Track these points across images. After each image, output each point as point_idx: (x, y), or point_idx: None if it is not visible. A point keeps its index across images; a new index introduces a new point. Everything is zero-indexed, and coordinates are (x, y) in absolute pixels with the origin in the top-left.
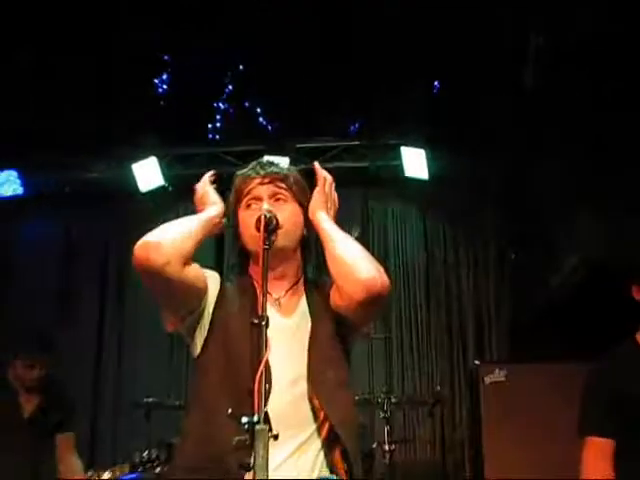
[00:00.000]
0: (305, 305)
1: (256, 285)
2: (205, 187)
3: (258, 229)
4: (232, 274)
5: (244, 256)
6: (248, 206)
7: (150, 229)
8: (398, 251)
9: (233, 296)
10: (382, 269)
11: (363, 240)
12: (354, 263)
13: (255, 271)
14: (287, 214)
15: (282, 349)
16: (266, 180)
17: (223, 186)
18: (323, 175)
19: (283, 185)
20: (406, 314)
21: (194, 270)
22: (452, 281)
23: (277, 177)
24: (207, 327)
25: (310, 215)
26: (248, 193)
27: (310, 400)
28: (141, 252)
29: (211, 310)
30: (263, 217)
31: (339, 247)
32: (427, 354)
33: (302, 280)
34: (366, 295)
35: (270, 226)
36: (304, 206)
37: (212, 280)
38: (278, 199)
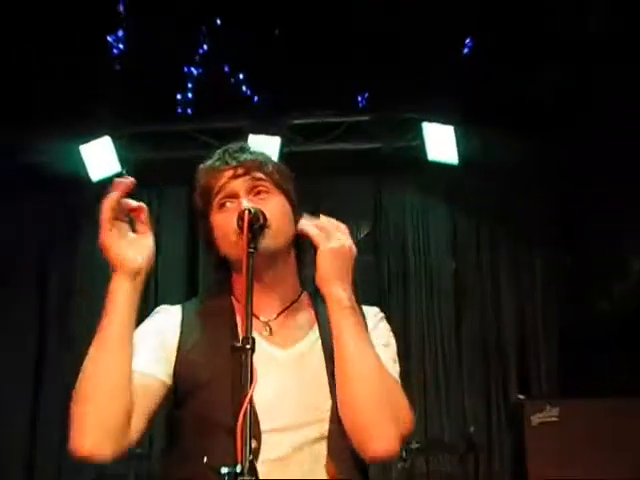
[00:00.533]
0: (315, 329)
1: (236, 304)
2: (107, 228)
3: (241, 229)
4: (208, 296)
5: (224, 270)
6: (222, 206)
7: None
8: (419, 256)
9: (203, 325)
10: (406, 410)
11: (372, 242)
12: (371, 420)
13: (238, 285)
14: (274, 209)
15: (272, 387)
16: (240, 171)
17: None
18: (327, 222)
19: (261, 175)
20: (429, 337)
21: (144, 394)
22: (488, 293)
23: (252, 166)
24: (175, 380)
25: (318, 284)
26: (220, 190)
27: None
28: (78, 452)
29: (173, 359)
30: (247, 213)
31: (355, 381)
32: (457, 387)
33: (304, 296)
34: (380, 459)
35: (255, 224)
36: (290, 197)
37: (163, 341)
38: (258, 192)
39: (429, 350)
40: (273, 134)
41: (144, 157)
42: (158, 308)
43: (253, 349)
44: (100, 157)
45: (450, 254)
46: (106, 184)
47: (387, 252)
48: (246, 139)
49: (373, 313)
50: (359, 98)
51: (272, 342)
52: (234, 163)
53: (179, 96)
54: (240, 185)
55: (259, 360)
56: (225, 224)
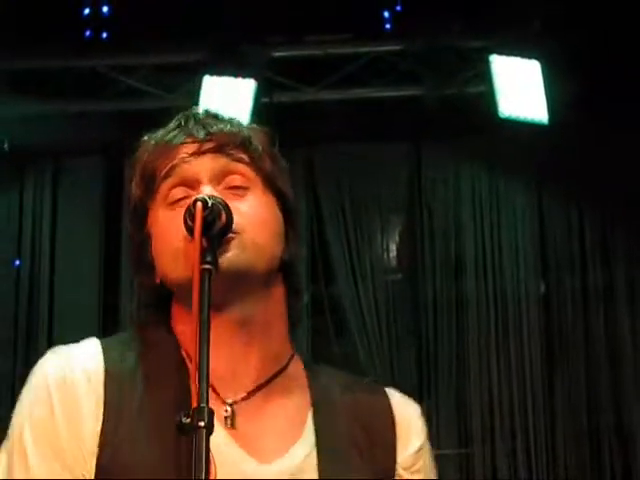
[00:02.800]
0: (309, 427)
1: (184, 352)
2: None
3: (189, 229)
4: (134, 331)
5: (160, 294)
6: (172, 201)
7: None
8: (483, 273)
9: (141, 389)
10: None
11: (406, 248)
12: None
13: (182, 323)
14: (252, 210)
15: None
16: (208, 146)
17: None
18: None
19: (242, 155)
20: (501, 396)
21: None
22: (594, 324)
23: (229, 140)
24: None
25: None
26: (170, 173)
27: None
28: None
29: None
30: (199, 205)
31: None
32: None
33: (294, 362)
34: None
35: (213, 224)
36: (284, 199)
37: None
38: (233, 186)
39: (499, 420)
40: (243, 75)
41: (30, 111)
42: (49, 362)
43: (210, 428)
44: None
45: (536, 269)
46: None
47: (431, 265)
48: (199, 85)
49: (414, 429)
50: (385, 15)
51: (238, 442)
52: (201, 134)
53: (88, 10)
54: (204, 167)
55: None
56: (171, 225)
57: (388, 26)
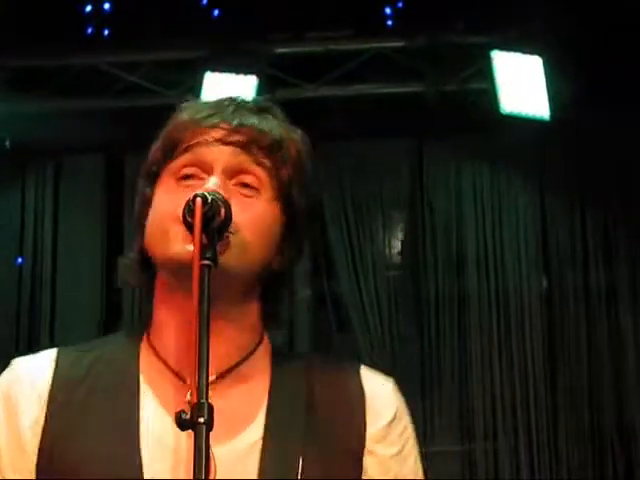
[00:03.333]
0: (262, 413)
1: (145, 351)
2: None
3: (187, 224)
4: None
5: (146, 260)
6: (181, 178)
7: None
8: (484, 268)
9: (80, 386)
10: None
11: (408, 244)
12: None
13: (163, 314)
14: (252, 211)
15: None
16: (233, 138)
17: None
18: None
19: (262, 159)
20: (503, 392)
21: None
22: (597, 321)
23: (256, 139)
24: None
25: None
26: (189, 150)
27: None
28: None
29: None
30: (199, 200)
31: None
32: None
33: (263, 347)
34: None
35: (212, 221)
36: (292, 206)
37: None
38: (244, 184)
39: (501, 418)
40: (244, 71)
41: (32, 109)
42: (9, 372)
43: (210, 424)
44: None
45: (538, 266)
46: None
47: (433, 262)
48: (201, 81)
49: (384, 403)
50: (387, 11)
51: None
52: (234, 122)
53: (89, 7)
54: (223, 158)
55: (169, 455)
56: (170, 199)
57: (389, 22)
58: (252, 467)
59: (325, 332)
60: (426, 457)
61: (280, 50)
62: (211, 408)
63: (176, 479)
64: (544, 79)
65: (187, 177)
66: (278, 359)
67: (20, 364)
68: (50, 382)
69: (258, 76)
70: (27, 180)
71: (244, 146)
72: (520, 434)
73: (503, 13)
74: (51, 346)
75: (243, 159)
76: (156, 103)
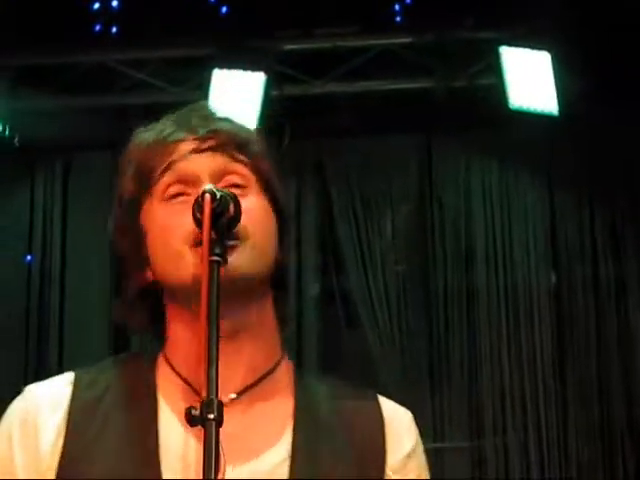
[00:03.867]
0: (287, 434)
1: (162, 369)
2: None
3: (198, 222)
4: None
5: (148, 292)
6: (169, 197)
7: None
8: (493, 263)
9: (99, 406)
10: None
11: (416, 239)
12: None
13: (177, 330)
14: (254, 212)
15: None
16: (208, 144)
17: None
18: None
19: (242, 157)
20: (513, 387)
21: None
22: (606, 316)
23: (230, 140)
24: None
25: None
26: (169, 169)
27: None
28: None
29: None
30: (208, 196)
31: None
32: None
33: (283, 365)
34: None
35: (222, 217)
36: (276, 199)
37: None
38: (233, 185)
39: (510, 413)
40: (252, 68)
41: (40, 106)
42: (14, 405)
43: (220, 420)
44: None
45: (547, 261)
46: None
47: (442, 257)
48: (209, 78)
49: (404, 434)
50: (395, 7)
51: (229, 444)
52: (201, 131)
53: (97, 5)
54: (204, 165)
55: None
56: (172, 221)
57: (397, 19)
58: None
59: (334, 328)
60: (435, 453)
61: (288, 47)
62: (221, 404)
63: None
64: (552, 75)
65: (176, 195)
66: (300, 380)
67: (37, 390)
68: (68, 404)
69: (266, 73)
70: (36, 178)
71: (219, 148)
72: (530, 429)
73: (511, 9)
74: (59, 345)
75: (223, 160)
76: (164, 100)
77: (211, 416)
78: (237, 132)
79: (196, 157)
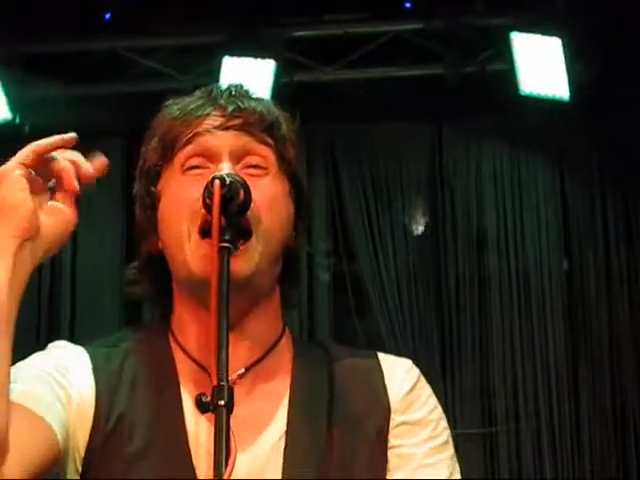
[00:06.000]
0: (282, 412)
1: (176, 348)
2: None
3: (207, 208)
4: (131, 336)
5: (162, 279)
6: (188, 168)
7: None
8: (505, 250)
9: (128, 385)
10: None
11: (429, 227)
12: None
13: (185, 311)
14: (268, 197)
15: None
16: (234, 122)
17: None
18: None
19: (266, 137)
20: (525, 374)
21: (29, 431)
22: (618, 302)
23: (256, 119)
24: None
25: None
26: (190, 142)
27: None
28: None
29: (87, 433)
30: (217, 182)
31: None
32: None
33: (285, 339)
34: None
35: (232, 203)
36: (297, 185)
37: (71, 397)
38: (251, 166)
39: (522, 399)
40: (263, 55)
41: (50, 94)
42: (57, 343)
43: (231, 406)
44: None
45: (559, 247)
46: None
47: (453, 243)
48: (219, 65)
49: (403, 377)
50: None
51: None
52: (229, 108)
53: None
54: (227, 142)
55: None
56: (183, 193)
57: (408, 5)
58: (275, 468)
59: (345, 314)
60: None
61: (298, 33)
62: (231, 390)
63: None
64: (563, 60)
65: (193, 167)
66: (300, 351)
67: (70, 345)
68: (91, 368)
69: (276, 60)
70: None
71: (245, 128)
72: (542, 416)
73: None
74: (71, 334)
75: (247, 141)
76: (175, 87)
77: (222, 402)
78: (265, 113)
79: (220, 133)
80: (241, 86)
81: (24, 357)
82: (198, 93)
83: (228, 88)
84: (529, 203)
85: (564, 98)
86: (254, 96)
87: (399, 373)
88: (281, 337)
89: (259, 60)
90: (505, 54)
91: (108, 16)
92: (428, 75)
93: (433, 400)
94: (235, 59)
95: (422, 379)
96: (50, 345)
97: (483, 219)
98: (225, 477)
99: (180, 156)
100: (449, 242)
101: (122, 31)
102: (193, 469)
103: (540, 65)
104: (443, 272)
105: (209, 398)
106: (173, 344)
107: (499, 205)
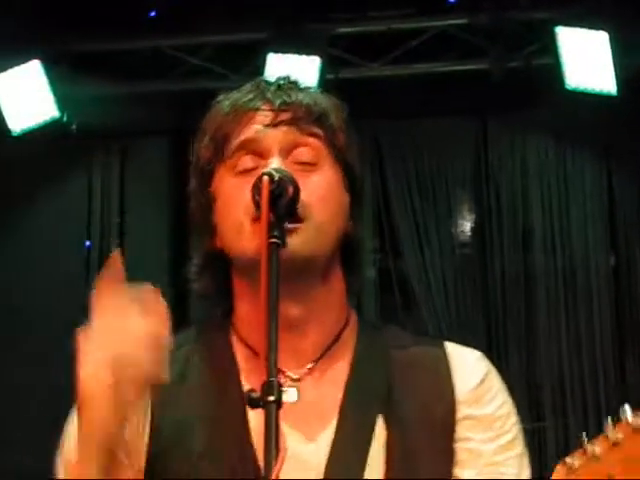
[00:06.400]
0: (335, 406)
1: (237, 343)
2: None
3: (257, 204)
4: (195, 333)
5: (218, 258)
6: (240, 170)
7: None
8: (551, 246)
9: (185, 390)
10: None
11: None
12: None
13: (244, 305)
14: (318, 186)
15: None
16: (283, 117)
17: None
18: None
19: (316, 130)
20: (572, 369)
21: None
22: None
23: (305, 113)
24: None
25: None
26: (241, 140)
27: None
28: None
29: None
30: (266, 179)
31: None
32: None
33: (349, 328)
34: None
35: (280, 199)
36: (350, 171)
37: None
38: (301, 162)
39: (570, 395)
40: (308, 52)
41: (97, 93)
42: None
43: (280, 402)
44: (24, 94)
45: (606, 243)
46: (35, 138)
47: (499, 239)
48: (264, 62)
49: (472, 368)
50: None
51: (296, 424)
52: (277, 102)
53: None
54: (276, 139)
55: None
56: (237, 194)
57: (452, 0)
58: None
59: (391, 311)
60: None
61: (343, 30)
62: (280, 387)
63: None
64: (610, 54)
65: (246, 170)
66: (362, 338)
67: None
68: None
69: (321, 56)
70: (93, 164)
71: (294, 122)
72: (589, 411)
73: None
74: None
75: (296, 135)
76: (220, 86)
77: (271, 398)
78: (313, 104)
79: (269, 131)
80: (289, 78)
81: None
82: (247, 86)
83: (276, 81)
84: (575, 199)
85: (611, 92)
86: (302, 87)
87: (468, 364)
88: (347, 324)
89: (304, 57)
90: (550, 48)
91: (153, 14)
92: (473, 70)
93: (503, 394)
94: (280, 56)
95: (492, 371)
96: None
97: (529, 215)
98: (273, 477)
99: (232, 155)
100: (495, 238)
101: (167, 29)
102: (257, 465)
103: (586, 59)
104: (489, 268)
105: (255, 395)
106: (235, 339)
107: (545, 201)
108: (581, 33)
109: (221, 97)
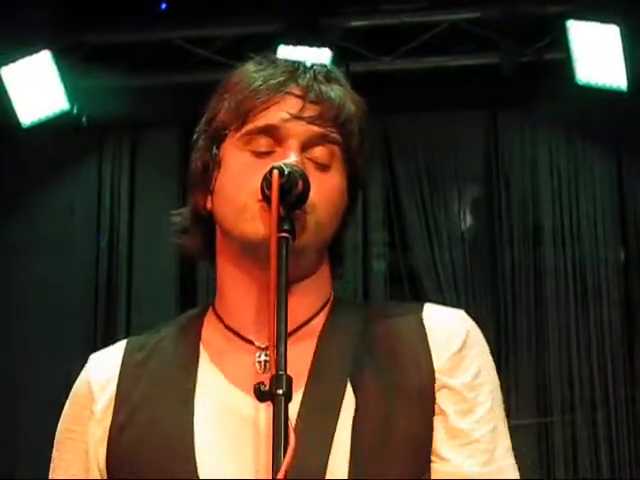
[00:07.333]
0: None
1: (209, 320)
2: None
3: (265, 196)
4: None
5: (207, 238)
6: (257, 154)
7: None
8: (561, 241)
9: (147, 378)
10: None
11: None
12: None
13: (229, 278)
14: (327, 186)
15: None
16: (309, 112)
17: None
18: None
19: (336, 135)
20: (580, 369)
21: None
22: None
23: (331, 114)
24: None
25: None
26: (263, 116)
27: None
28: None
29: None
30: (276, 173)
31: None
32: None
33: (329, 305)
34: None
35: (289, 194)
36: (355, 178)
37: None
38: (316, 160)
39: (578, 390)
40: (319, 45)
41: (108, 85)
42: (81, 376)
43: (289, 395)
44: (35, 86)
45: (616, 238)
46: (45, 130)
47: (508, 234)
48: (275, 52)
49: (450, 332)
50: None
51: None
52: (309, 94)
53: None
54: (298, 131)
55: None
56: (245, 174)
57: None
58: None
59: None
60: None
61: (354, 23)
62: (290, 380)
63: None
64: (621, 48)
65: (260, 153)
66: (335, 314)
67: (93, 359)
68: (120, 365)
69: (332, 49)
70: (104, 156)
71: (318, 121)
72: (598, 406)
73: None
74: (127, 322)
75: (317, 133)
76: None
77: (280, 391)
78: (342, 106)
79: (294, 121)
80: (325, 67)
81: (82, 350)
82: (283, 63)
83: (312, 66)
84: (585, 193)
85: (622, 87)
86: (336, 81)
87: (445, 329)
88: (326, 303)
89: (314, 49)
90: (562, 42)
91: (164, 6)
92: (484, 64)
93: (480, 361)
94: (290, 48)
95: (472, 334)
96: (73, 391)
97: (539, 209)
98: (280, 476)
99: (250, 130)
100: (505, 233)
101: (178, 21)
102: (193, 454)
103: (597, 53)
104: (499, 263)
105: (267, 387)
106: (210, 317)
107: (555, 195)
108: (592, 27)
109: (255, 63)
